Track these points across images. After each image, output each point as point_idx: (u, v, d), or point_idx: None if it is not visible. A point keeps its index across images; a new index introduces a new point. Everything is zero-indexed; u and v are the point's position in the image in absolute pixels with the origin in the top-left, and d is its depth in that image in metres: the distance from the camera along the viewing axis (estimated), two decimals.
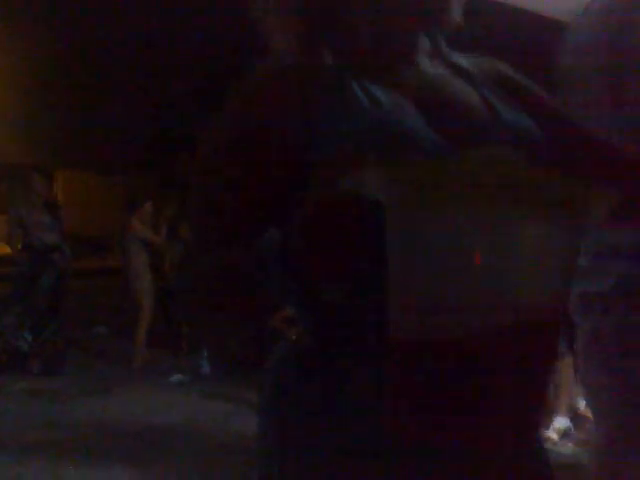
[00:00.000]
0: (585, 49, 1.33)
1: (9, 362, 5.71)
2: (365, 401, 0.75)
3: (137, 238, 6.13)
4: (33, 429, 4.21)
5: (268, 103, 0.81)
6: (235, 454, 3.79)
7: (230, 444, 3.99)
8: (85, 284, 7.47)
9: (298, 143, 0.77)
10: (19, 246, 5.93)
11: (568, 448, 3.84)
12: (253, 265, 0.80)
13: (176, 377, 5.60)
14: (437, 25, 0.87)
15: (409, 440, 0.72)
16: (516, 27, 4.07)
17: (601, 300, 1.33)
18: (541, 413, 0.84)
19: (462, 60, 0.94)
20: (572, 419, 4.08)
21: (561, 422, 3.99)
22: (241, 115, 0.83)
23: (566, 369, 3.67)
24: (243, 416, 4.54)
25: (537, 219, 0.72)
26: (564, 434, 3.98)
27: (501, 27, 3.85)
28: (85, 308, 7.28)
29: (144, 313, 6.13)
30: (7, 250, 6.21)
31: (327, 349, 0.79)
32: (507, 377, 0.73)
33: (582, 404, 4.06)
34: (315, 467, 0.78)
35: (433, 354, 0.69)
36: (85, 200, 9.13)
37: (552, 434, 3.90)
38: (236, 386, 5.29)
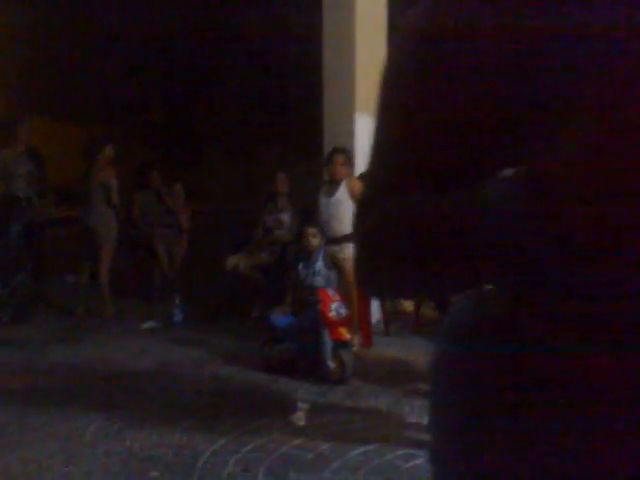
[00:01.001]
0: None
1: None
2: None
3: (101, 184, 6.00)
4: (5, 376, 4.26)
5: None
6: (206, 396, 3.87)
7: (201, 388, 4.06)
8: (58, 233, 7.43)
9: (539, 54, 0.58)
10: None
11: None
12: (468, 215, 0.58)
13: (148, 323, 5.65)
14: None
15: None
16: None
17: None
18: None
19: None
20: None
21: None
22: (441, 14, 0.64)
23: None
24: (215, 361, 4.61)
25: None
26: None
27: None
28: (57, 257, 7.25)
29: (107, 260, 6.07)
30: None
31: (545, 328, 0.60)
32: None
33: None
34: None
35: None
36: (57, 148, 8.99)
37: None
38: (209, 332, 5.35)
